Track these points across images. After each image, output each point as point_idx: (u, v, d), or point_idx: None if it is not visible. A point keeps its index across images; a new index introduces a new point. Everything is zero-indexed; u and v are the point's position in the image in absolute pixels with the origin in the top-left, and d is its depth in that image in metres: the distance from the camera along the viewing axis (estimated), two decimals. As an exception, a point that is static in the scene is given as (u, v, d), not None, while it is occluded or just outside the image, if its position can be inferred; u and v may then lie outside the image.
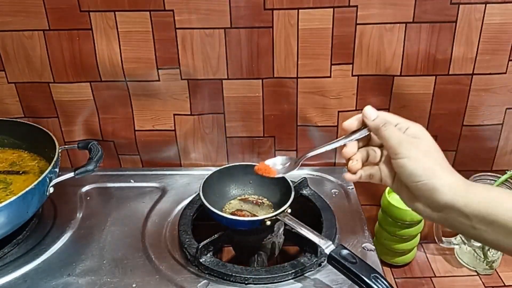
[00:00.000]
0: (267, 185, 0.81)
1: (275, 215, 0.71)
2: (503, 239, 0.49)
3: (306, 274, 0.71)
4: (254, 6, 0.82)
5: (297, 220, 0.70)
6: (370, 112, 0.58)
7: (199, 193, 0.75)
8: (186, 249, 0.74)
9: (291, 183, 0.76)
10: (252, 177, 0.82)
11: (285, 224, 0.77)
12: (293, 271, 0.70)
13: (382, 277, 0.60)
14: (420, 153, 0.53)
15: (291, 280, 0.70)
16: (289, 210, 0.72)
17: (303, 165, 0.99)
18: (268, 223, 0.71)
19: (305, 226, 0.69)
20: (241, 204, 0.80)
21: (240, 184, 0.83)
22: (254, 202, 0.80)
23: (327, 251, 0.64)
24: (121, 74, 0.89)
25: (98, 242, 0.78)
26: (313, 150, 0.64)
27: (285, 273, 0.69)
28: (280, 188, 0.78)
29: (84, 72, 0.89)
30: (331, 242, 0.65)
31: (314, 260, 0.71)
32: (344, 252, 0.62)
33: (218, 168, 0.81)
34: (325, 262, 0.73)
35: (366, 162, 0.60)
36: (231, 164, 0.83)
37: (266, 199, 0.81)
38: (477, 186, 0.53)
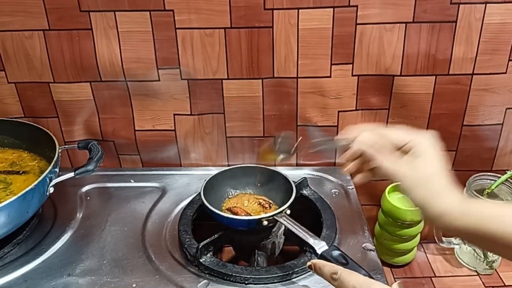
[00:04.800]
0: (269, 185, 0.81)
1: (272, 215, 0.71)
2: (502, 252, 0.51)
3: (306, 274, 0.71)
4: (254, 6, 0.82)
5: (293, 221, 0.70)
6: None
7: (199, 192, 0.75)
8: (186, 249, 0.74)
9: (293, 184, 0.76)
10: (255, 179, 0.82)
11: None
12: (293, 271, 0.70)
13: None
14: (415, 181, 0.54)
15: (291, 280, 0.70)
16: (288, 212, 0.72)
17: (303, 165, 1.01)
18: (265, 223, 0.71)
19: (300, 227, 0.69)
20: (241, 202, 0.80)
21: (242, 184, 0.83)
22: (259, 203, 0.80)
23: (319, 252, 0.63)
24: (121, 74, 0.89)
25: (98, 242, 0.78)
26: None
27: (285, 273, 0.69)
28: (282, 188, 0.78)
29: (84, 72, 0.89)
30: (324, 243, 0.65)
31: (314, 260, 0.71)
32: (336, 253, 0.62)
33: (221, 169, 0.82)
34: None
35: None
36: (234, 166, 0.83)
37: (267, 197, 0.81)
38: (472, 205, 0.53)
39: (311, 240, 0.66)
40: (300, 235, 0.68)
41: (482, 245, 0.52)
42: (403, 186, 0.55)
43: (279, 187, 0.79)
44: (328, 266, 0.56)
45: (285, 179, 0.78)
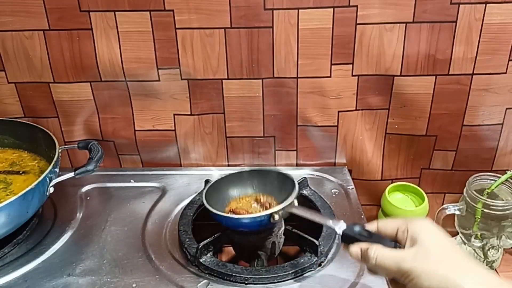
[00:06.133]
0: (269, 185, 0.80)
1: (283, 208, 0.68)
2: None
3: (306, 274, 0.71)
4: (254, 6, 0.82)
5: (304, 208, 0.68)
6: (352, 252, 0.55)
7: (202, 200, 0.73)
8: (186, 249, 0.74)
9: (294, 179, 0.75)
10: (252, 181, 0.80)
11: (285, 224, 0.77)
12: (293, 271, 0.70)
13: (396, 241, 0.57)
14: (431, 264, 0.47)
15: (291, 280, 0.70)
16: (296, 203, 0.70)
17: (303, 165, 1.01)
18: (276, 217, 0.68)
19: (313, 212, 0.67)
20: (242, 203, 0.79)
21: (242, 186, 0.81)
22: (259, 203, 0.79)
23: (339, 231, 0.61)
24: (121, 74, 0.89)
25: (98, 242, 0.78)
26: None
27: (285, 273, 0.69)
28: (283, 186, 0.76)
29: (84, 72, 0.89)
30: (342, 221, 0.62)
31: (314, 260, 0.71)
32: (357, 228, 0.59)
33: (221, 174, 0.80)
34: (325, 261, 0.73)
35: None
36: (232, 172, 0.81)
37: (270, 197, 0.79)
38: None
39: (330, 222, 0.63)
40: (317, 219, 0.65)
41: None
42: (418, 271, 0.47)
43: (281, 185, 0.78)
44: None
45: (285, 176, 0.77)
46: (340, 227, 0.61)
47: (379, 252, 0.52)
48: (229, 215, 0.73)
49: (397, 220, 0.54)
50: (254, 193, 0.80)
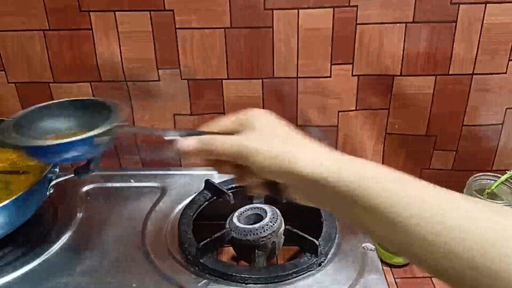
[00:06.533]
0: (97, 116, 0.66)
1: (107, 130, 0.59)
2: (389, 235, 0.41)
3: (306, 274, 0.71)
4: (254, 6, 0.82)
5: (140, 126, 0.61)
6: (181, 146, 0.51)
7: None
8: (186, 249, 0.74)
9: (117, 104, 0.66)
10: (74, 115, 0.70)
11: (285, 224, 0.77)
12: (293, 271, 0.70)
13: None
14: (267, 143, 0.46)
15: (291, 280, 0.70)
16: (122, 122, 0.61)
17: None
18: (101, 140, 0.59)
19: (148, 127, 0.61)
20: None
21: (64, 120, 0.70)
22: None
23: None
24: (121, 74, 0.89)
25: (98, 242, 0.78)
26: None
27: (285, 273, 0.69)
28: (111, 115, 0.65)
29: (84, 72, 0.89)
30: (178, 132, 0.55)
31: (314, 260, 0.71)
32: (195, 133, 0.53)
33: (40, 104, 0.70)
34: (325, 261, 0.73)
35: None
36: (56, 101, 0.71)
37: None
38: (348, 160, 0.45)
39: (166, 132, 0.56)
40: (154, 132, 0.59)
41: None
42: (258, 158, 0.46)
43: (109, 114, 0.65)
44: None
45: (109, 105, 0.67)
46: (175, 135, 0.55)
47: (218, 140, 0.49)
48: (41, 142, 0.60)
49: (234, 115, 0.53)
50: (79, 128, 0.69)
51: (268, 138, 0.47)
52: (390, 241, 0.42)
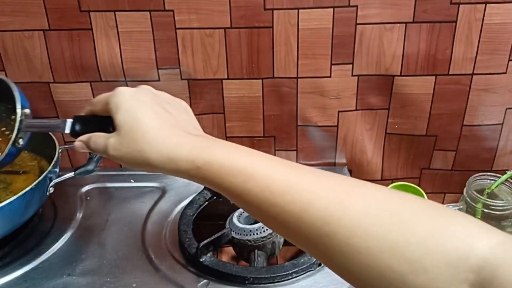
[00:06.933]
0: None
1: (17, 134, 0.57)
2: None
3: (306, 274, 0.71)
4: (254, 6, 0.82)
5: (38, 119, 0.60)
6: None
7: None
8: (186, 249, 0.74)
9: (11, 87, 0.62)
10: None
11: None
12: (293, 271, 0.70)
13: None
14: (127, 146, 0.48)
15: (291, 280, 0.70)
16: (27, 111, 0.59)
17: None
18: (21, 142, 0.58)
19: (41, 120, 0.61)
20: None
21: None
22: None
23: (68, 131, 0.55)
24: (121, 74, 0.89)
25: (98, 242, 0.78)
26: None
27: (285, 273, 0.69)
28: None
29: (84, 72, 0.89)
30: (69, 120, 0.55)
31: (314, 260, 0.71)
32: (78, 122, 0.56)
33: None
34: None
35: None
36: None
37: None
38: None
39: (58, 123, 0.56)
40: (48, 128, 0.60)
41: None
42: (119, 159, 0.49)
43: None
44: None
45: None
46: (68, 126, 0.55)
47: (93, 139, 0.52)
48: None
49: (105, 98, 0.53)
50: None
51: (125, 138, 0.48)
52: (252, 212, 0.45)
